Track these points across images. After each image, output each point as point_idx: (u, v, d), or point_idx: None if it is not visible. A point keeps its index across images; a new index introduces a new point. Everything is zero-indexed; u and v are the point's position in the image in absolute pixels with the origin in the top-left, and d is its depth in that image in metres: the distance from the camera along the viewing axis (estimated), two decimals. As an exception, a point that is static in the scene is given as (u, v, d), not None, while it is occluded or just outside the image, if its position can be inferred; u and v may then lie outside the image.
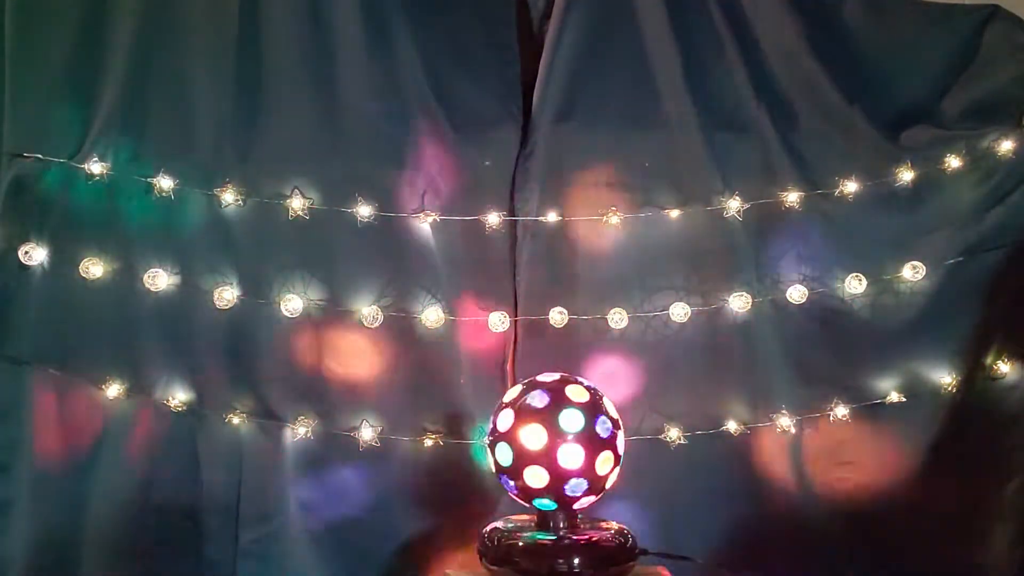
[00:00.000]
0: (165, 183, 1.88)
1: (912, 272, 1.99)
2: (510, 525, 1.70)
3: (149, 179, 1.88)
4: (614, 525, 1.70)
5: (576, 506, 1.66)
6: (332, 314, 1.93)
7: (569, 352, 1.98)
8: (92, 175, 1.87)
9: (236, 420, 1.92)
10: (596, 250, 2.00)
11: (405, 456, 1.96)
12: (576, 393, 1.65)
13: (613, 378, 1.97)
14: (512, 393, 1.70)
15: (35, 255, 1.87)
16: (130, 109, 1.91)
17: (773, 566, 2.00)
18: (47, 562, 1.88)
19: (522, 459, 1.62)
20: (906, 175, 2.00)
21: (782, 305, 2.00)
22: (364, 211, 1.92)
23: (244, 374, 1.94)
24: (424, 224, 1.96)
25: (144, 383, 1.91)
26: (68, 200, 1.89)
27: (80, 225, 1.89)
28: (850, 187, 1.99)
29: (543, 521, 1.67)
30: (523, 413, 1.63)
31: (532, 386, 1.67)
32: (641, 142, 2.02)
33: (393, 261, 1.96)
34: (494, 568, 1.64)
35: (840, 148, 2.03)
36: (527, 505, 1.68)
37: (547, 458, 1.61)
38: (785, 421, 1.99)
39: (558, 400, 1.63)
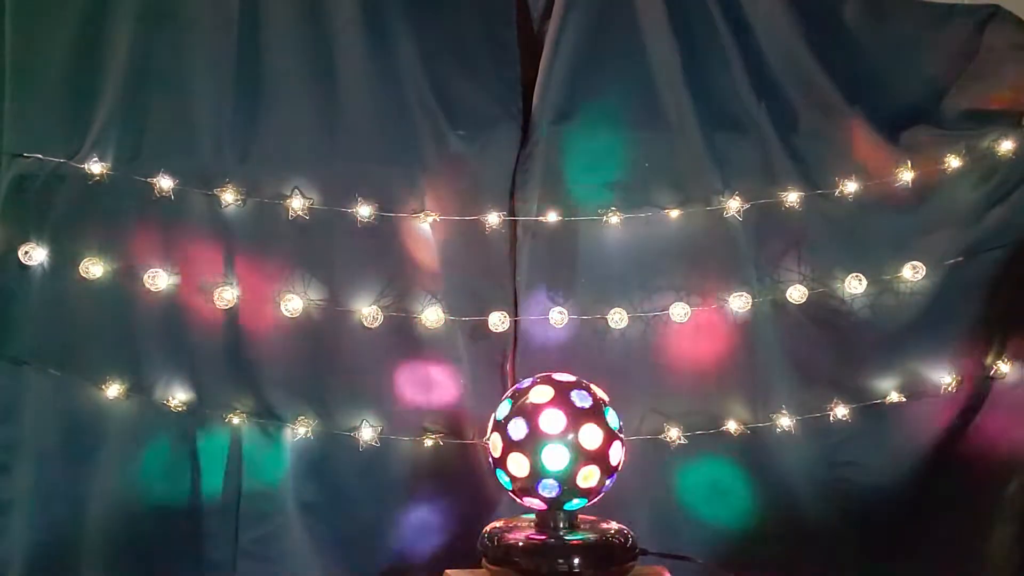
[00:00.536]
0: (165, 183, 1.88)
1: (912, 272, 1.99)
2: (510, 525, 1.70)
3: (149, 179, 1.88)
4: (614, 525, 1.70)
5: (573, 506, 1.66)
6: (332, 314, 1.93)
7: (569, 352, 1.98)
8: (92, 175, 1.87)
9: (236, 420, 1.92)
10: (596, 250, 2.00)
11: (405, 456, 1.96)
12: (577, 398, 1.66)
13: (612, 378, 1.97)
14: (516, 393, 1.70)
15: (35, 255, 1.87)
16: (130, 109, 1.91)
17: (773, 566, 2.00)
18: (47, 562, 1.88)
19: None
20: (906, 175, 2.00)
21: (782, 305, 2.01)
22: (364, 211, 1.92)
23: (244, 374, 1.93)
24: (424, 224, 1.96)
25: (144, 383, 1.91)
26: (68, 200, 1.89)
27: (80, 225, 1.89)
28: (850, 187, 1.99)
29: (543, 521, 1.67)
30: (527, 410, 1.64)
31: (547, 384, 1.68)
32: (641, 142, 2.02)
33: (393, 261, 1.96)
34: (494, 568, 1.64)
35: (840, 148, 2.04)
36: (527, 505, 1.68)
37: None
38: (785, 421, 1.99)
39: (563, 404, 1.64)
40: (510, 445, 1.63)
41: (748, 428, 2.00)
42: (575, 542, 1.63)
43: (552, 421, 1.62)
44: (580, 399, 1.65)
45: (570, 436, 1.61)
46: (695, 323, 2.00)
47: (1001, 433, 2.01)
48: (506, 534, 1.66)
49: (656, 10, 2.02)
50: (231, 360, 1.93)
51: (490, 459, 1.69)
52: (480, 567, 1.68)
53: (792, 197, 1.99)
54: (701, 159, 2.01)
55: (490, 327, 1.96)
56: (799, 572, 2.01)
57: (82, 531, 1.90)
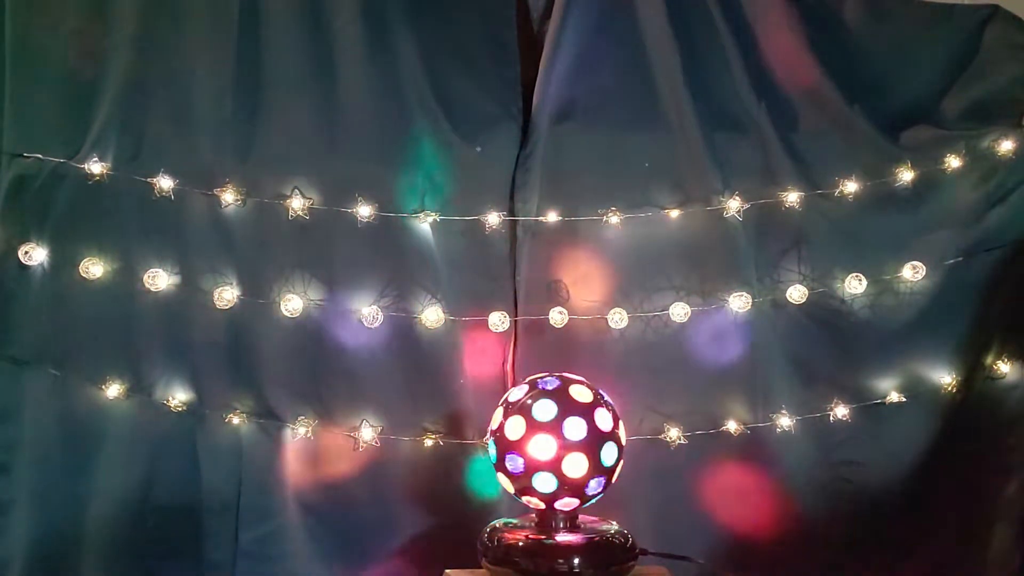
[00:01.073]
0: (165, 183, 1.88)
1: (912, 272, 1.99)
2: (510, 525, 1.70)
3: (149, 179, 1.88)
4: (614, 525, 1.70)
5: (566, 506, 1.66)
6: (332, 314, 1.93)
7: (569, 352, 1.98)
8: (92, 175, 1.87)
9: (236, 420, 1.92)
10: (596, 250, 2.00)
11: (405, 456, 1.96)
12: (579, 394, 1.66)
13: (613, 378, 1.97)
14: (517, 394, 1.70)
15: (35, 255, 1.87)
16: (130, 109, 1.91)
17: (773, 566, 2.00)
18: (47, 562, 1.88)
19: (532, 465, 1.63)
20: (906, 175, 2.00)
21: (782, 305, 2.01)
22: (364, 211, 1.92)
23: (244, 374, 1.94)
24: (424, 224, 1.96)
25: (144, 383, 1.91)
26: (68, 200, 1.89)
27: (80, 225, 1.89)
28: (850, 187, 1.99)
29: (543, 521, 1.67)
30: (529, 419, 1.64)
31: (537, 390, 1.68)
32: (641, 142, 2.03)
33: (393, 261, 1.96)
34: (494, 568, 1.64)
35: (840, 148, 2.04)
36: (527, 505, 1.68)
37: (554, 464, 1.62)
38: (785, 421, 1.99)
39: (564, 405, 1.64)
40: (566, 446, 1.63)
41: (748, 428, 2.00)
42: (575, 542, 1.63)
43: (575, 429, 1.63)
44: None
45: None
46: (695, 323, 2.00)
47: (1001, 433, 2.01)
48: (506, 534, 1.66)
49: (656, 10, 2.02)
50: (231, 360, 1.93)
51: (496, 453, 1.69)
52: (480, 567, 1.68)
53: (792, 197, 2.00)
54: (701, 159, 2.01)
55: (490, 327, 1.96)
56: (799, 572, 2.01)
57: (82, 531, 1.90)
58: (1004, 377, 2.01)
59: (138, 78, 1.91)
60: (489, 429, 1.69)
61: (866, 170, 2.01)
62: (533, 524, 1.69)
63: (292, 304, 1.91)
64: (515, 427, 1.63)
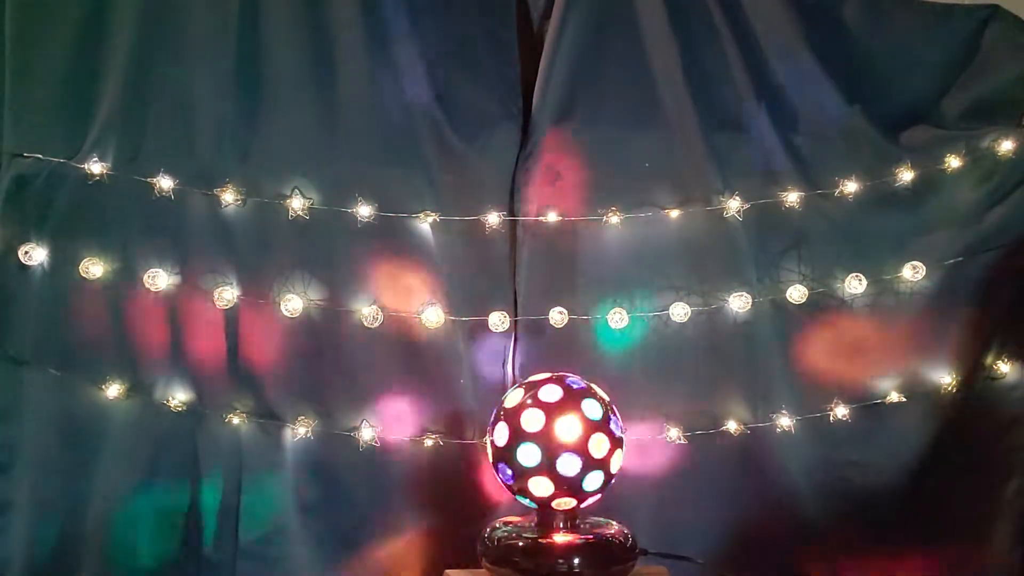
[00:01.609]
0: (165, 183, 1.88)
1: (912, 272, 1.99)
2: (510, 525, 1.70)
3: (149, 179, 1.88)
4: (614, 525, 1.70)
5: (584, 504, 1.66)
6: (332, 314, 1.93)
7: (569, 352, 1.98)
8: (92, 175, 1.87)
9: (236, 420, 1.92)
10: (596, 250, 2.00)
11: (405, 456, 1.96)
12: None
13: (613, 378, 1.97)
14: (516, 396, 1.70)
15: (35, 255, 1.86)
16: (130, 109, 1.91)
17: (773, 566, 2.00)
18: (47, 562, 1.88)
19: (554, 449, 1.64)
20: (906, 175, 2.00)
21: (782, 305, 2.01)
22: (364, 211, 1.92)
23: (244, 374, 1.93)
24: (424, 224, 1.96)
25: (144, 383, 1.91)
26: (68, 200, 1.88)
27: (80, 225, 1.89)
28: (850, 187, 1.99)
29: (543, 521, 1.67)
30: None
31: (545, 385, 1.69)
32: (641, 142, 2.03)
33: (392, 261, 1.96)
34: (494, 568, 1.64)
35: (840, 148, 2.04)
36: (527, 505, 1.69)
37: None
38: (785, 421, 1.99)
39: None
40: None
41: (748, 428, 2.00)
42: (575, 542, 1.63)
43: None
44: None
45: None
46: (695, 323, 2.00)
47: (1001, 433, 2.01)
48: (506, 534, 1.66)
49: (656, 10, 2.02)
50: (231, 360, 1.93)
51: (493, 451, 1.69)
52: (480, 567, 1.68)
53: (792, 197, 2.00)
54: (701, 159, 2.01)
55: (490, 327, 1.96)
56: (799, 572, 2.01)
57: (82, 531, 1.90)
58: (1004, 377, 2.01)
59: (138, 78, 1.91)
60: (488, 431, 1.69)
61: (866, 170, 2.01)
62: (533, 524, 1.69)
63: (292, 304, 1.91)
64: (502, 433, 1.65)
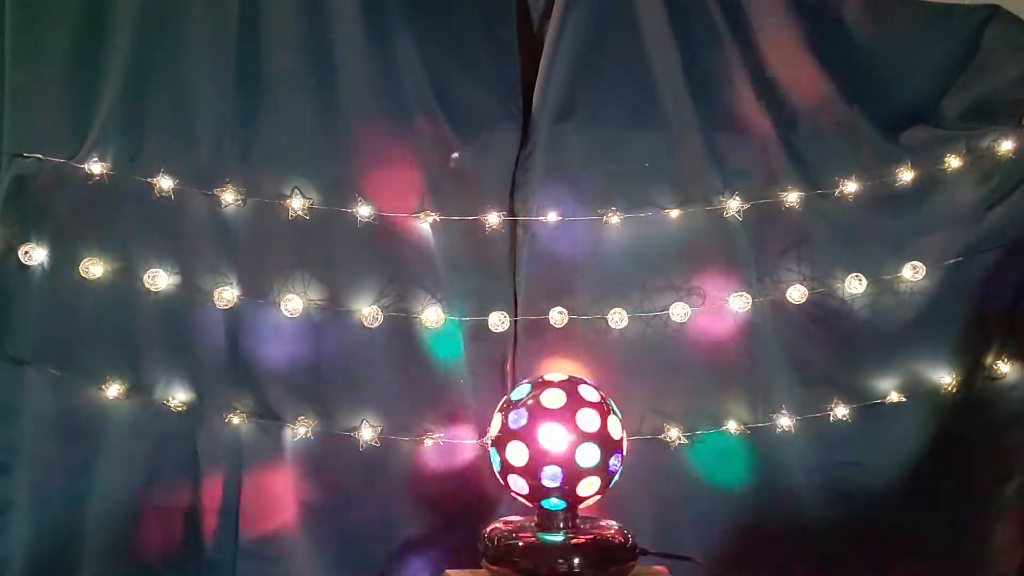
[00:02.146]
0: (165, 183, 1.88)
1: (912, 272, 1.99)
2: (510, 525, 1.70)
3: (149, 179, 1.88)
4: (614, 525, 1.70)
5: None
6: (332, 314, 1.93)
7: (569, 352, 1.98)
8: (92, 175, 1.87)
9: (236, 420, 1.92)
10: (596, 250, 2.00)
11: (405, 456, 1.96)
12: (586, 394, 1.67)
13: (613, 378, 1.97)
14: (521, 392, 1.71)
15: (35, 255, 1.87)
16: (130, 109, 1.91)
17: (773, 566, 2.00)
18: (47, 562, 1.88)
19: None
20: (906, 175, 2.00)
21: (782, 305, 2.01)
22: (364, 211, 1.92)
23: (244, 374, 1.93)
24: (424, 224, 1.96)
25: (144, 383, 1.91)
26: (68, 200, 1.89)
27: (80, 225, 1.89)
28: (850, 187, 1.99)
29: (543, 521, 1.67)
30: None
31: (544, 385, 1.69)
32: (641, 142, 2.02)
33: (393, 261, 1.96)
34: (494, 568, 1.64)
35: (840, 148, 2.04)
36: (528, 505, 1.68)
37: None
38: (785, 421, 1.99)
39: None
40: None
41: (748, 428, 2.00)
42: (575, 542, 1.63)
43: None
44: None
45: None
46: (695, 323, 2.00)
47: (1001, 433, 2.01)
48: (506, 534, 1.66)
49: (656, 10, 2.02)
50: (231, 360, 1.93)
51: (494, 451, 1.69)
52: (480, 567, 1.68)
53: (792, 197, 2.00)
54: (701, 159, 2.01)
55: (490, 327, 1.96)
56: (799, 572, 2.01)
57: (82, 531, 1.90)
58: (1004, 377, 2.01)
59: (138, 78, 1.91)
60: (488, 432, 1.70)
61: (866, 170, 2.01)
62: (533, 524, 1.69)
63: (292, 304, 1.91)
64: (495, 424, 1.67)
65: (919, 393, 2.00)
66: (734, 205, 1.98)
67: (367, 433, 1.93)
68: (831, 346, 2.02)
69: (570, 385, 1.70)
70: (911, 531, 2.00)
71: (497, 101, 2.02)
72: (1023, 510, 1.99)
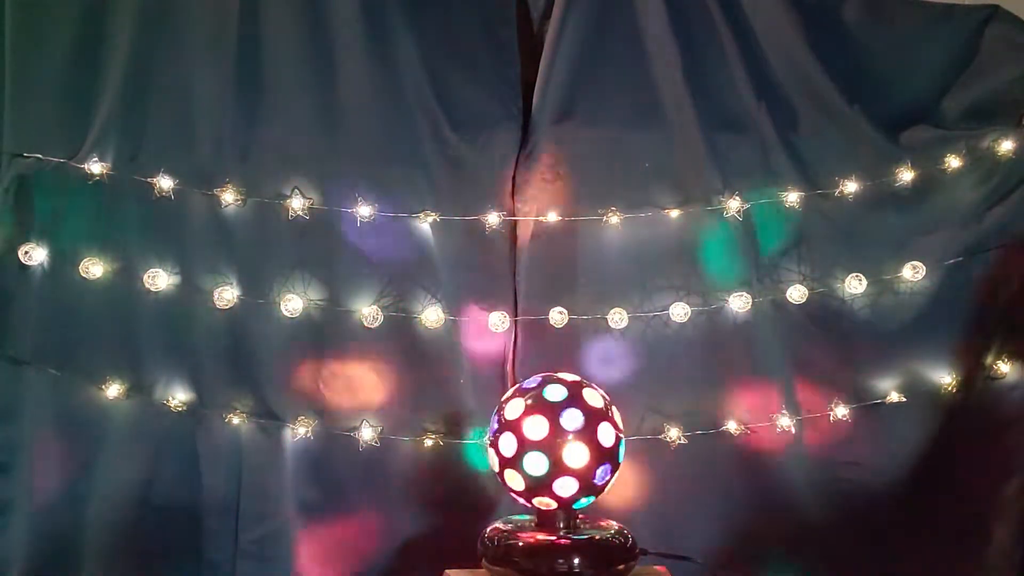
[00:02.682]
0: (165, 183, 1.88)
1: (912, 272, 1.99)
2: (510, 525, 1.70)
3: (149, 179, 1.88)
4: (614, 525, 1.70)
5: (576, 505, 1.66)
6: (332, 314, 1.93)
7: (569, 352, 1.98)
8: (92, 175, 1.87)
9: (236, 420, 1.92)
10: (596, 250, 2.00)
11: (405, 456, 1.96)
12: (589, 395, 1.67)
13: (613, 378, 1.97)
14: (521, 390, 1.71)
15: (35, 255, 1.87)
16: (130, 109, 1.91)
17: (773, 566, 2.00)
18: (47, 562, 1.88)
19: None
20: (906, 175, 2.00)
21: (782, 305, 2.01)
22: (364, 211, 1.92)
23: (244, 374, 1.94)
24: (424, 224, 1.96)
25: (144, 383, 1.91)
26: (68, 200, 1.89)
27: (80, 225, 1.89)
28: (850, 187, 1.99)
29: (543, 521, 1.67)
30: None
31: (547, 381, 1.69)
32: (641, 142, 2.02)
33: (393, 261, 1.96)
34: (494, 568, 1.64)
35: (840, 148, 2.04)
36: (528, 505, 1.68)
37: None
38: (785, 421, 1.99)
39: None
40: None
41: (748, 428, 2.00)
42: (575, 542, 1.63)
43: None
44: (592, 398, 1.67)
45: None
46: (695, 323, 2.00)
47: (1001, 433, 2.01)
48: (506, 534, 1.66)
49: (656, 10, 2.02)
50: (231, 360, 1.93)
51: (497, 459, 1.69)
52: (480, 567, 1.68)
53: (792, 197, 2.00)
54: (701, 159, 2.01)
55: (490, 327, 1.96)
56: (798, 572, 2.01)
57: (82, 531, 1.90)
58: (1004, 377, 2.01)
59: (138, 78, 1.91)
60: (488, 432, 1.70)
61: (866, 170, 2.01)
62: (533, 524, 1.69)
63: (292, 304, 1.91)
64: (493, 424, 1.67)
65: (919, 393, 2.00)
66: (734, 205, 1.98)
67: (367, 433, 1.93)
68: (831, 346, 2.02)
69: (576, 387, 1.69)
70: (911, 531, 2.00)
71: (497, 101, 2.02)
72: (1023, 510, 1.98)
